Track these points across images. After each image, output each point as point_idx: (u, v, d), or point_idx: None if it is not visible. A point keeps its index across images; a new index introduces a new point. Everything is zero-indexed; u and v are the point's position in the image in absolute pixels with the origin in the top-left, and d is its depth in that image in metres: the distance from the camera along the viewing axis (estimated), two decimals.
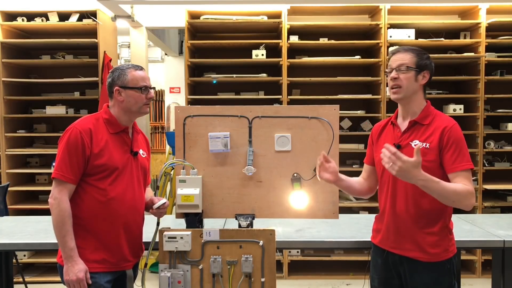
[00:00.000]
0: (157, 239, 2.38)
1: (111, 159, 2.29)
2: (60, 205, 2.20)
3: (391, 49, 4.75)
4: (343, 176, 2.43)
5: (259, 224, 2.52)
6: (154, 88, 2.42)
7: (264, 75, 5.10)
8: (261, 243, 2.34)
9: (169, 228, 2.39)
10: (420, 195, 2.23)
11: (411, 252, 2.27)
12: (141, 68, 2.39)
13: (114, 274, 2.33)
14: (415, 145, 2.24)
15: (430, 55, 2.37)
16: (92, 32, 4.90)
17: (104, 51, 4.96)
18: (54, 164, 4.85)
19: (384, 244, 2.36)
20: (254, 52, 4.98)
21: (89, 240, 2.27)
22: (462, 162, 2.19)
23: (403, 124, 2.35)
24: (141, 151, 2.44)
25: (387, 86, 2.37)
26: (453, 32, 5.17)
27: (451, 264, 2.28)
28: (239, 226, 2.48)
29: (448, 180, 2.20)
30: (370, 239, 2.50)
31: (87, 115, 2.40)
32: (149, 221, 2.50)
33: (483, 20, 4.87)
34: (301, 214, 2.55)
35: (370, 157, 2.51)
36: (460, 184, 2.17)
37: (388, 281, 2.39)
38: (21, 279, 4.13)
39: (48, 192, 2.24)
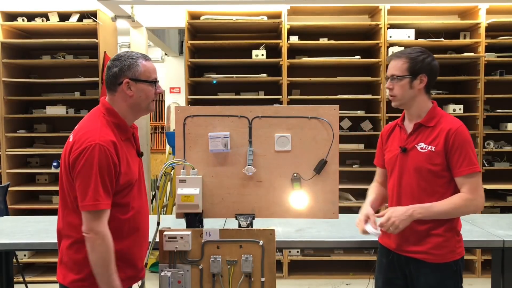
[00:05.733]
0: (157, 239, 2.38)
1: (131, 171, 2.04)
2: (105, 240, 1.89)
3: (390, 53, 4.76)
4: (371, 207, 2.39)
5: (259, 224, 2.52)
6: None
7: (264, 75, 5.10)
8: (261, 243, 2.34)
9: (169, 228, 2.39)
10: (425, 196, 2.23)
11: (416, 254, 2.27)
12: (150, 59, 2.12)
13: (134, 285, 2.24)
14: (421, 148, 2.25)
15: None
16: (92, 32, 4.90)
17: (104, 51, 4.96)
18: (54, 163, 4.90)
19: (390, 245, 2.36)
20: (254, 52, 4.98)
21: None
22: (468, 166, 2.20)
23: (409, 127, 2.34)
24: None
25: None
26: (453, 32, 5.17)
27: (458, 266, 2.25)
28: (239, 226, 2.47)
29: (454, 183, 2.22)
30: (370, 239, 2.50)
31: (88, 119, 2.04)
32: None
33: (483, 20, 4.87)
34: (301, 214, 2.54)
35: (382, 159, 2.50)
36: (457, 195, 2.20)
37: (392, 281, 2.38)
38: (21, 279, 4.14)
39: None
